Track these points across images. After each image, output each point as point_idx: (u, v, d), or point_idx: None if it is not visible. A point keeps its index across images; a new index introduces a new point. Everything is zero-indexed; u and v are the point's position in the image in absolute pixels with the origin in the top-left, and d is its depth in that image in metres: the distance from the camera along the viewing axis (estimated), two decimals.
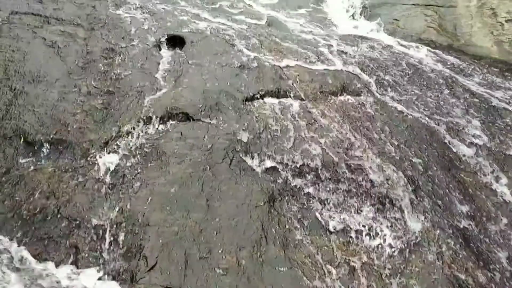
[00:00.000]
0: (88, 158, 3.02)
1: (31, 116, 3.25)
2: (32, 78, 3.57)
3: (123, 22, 4.40)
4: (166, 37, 4.25)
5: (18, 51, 3.83)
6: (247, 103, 3.53)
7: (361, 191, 3.01)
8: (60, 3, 4.51)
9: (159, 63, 3.90)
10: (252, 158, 3.10)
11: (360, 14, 6.11)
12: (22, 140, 3.11)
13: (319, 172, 3.05)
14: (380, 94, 3.98)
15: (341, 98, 3.81)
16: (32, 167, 2.94)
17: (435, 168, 3.28)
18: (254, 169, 3.03)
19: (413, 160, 3.36)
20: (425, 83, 4.24)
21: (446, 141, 3.52)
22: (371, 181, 3.07)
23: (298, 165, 3.08)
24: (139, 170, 2.95)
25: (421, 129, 3.60)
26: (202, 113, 3.37)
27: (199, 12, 4.91)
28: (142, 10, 4.73)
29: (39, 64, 3.71)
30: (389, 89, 4.05)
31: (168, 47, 4.16)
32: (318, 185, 2.99)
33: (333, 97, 3.80)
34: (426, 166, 3.28)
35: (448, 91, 4.13)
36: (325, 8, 6.14)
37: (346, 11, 6.22)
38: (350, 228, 2.82)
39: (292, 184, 2.98)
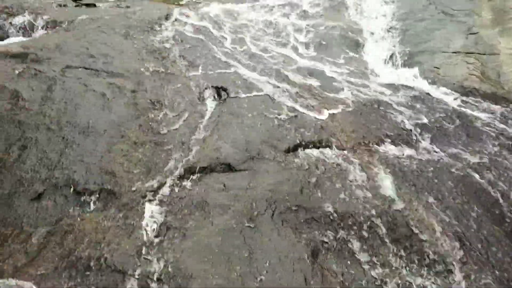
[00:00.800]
0: (134, 208, 3.09)
1: (80, 166, 3.39)
2: (82, 129, 3.75)
3: (168, 75, 4.58)
4: (210, 88, 4.38)
5: (71, 103, 4.04)
6: (288, 154, 3.56)
7: (407, 247, 2.92)
8: (110, 57, 4.76)
9: (202, 114, 4.01)
10: (294, 210, 3.08)
11: (400, 62, 6.14)
12: (72, 189, 3.23)
13: (363, 226, 3.00)
14: (423, 145, 3.93)
15: (384, 148, 3.79)
16: (80, 216, 3.03)
17: (485, 224, 3.16)
18: (296, 221, 3.01)
19: (461, 214, 3.26)
20: (470, 133, 4.16)
21: (495, 195, 3.40)
22: (418, 237, 2.98)
23: (341, 218, 3.04)
24: (183, 221, 2.99)
25: (468, 182, 3.51)
26: (244, 164, 3.41)
27: (239, 64, 5.05)
28: (186, 63, 4.91)
29: (89, 115, 3.90)
30: (432, 139, 3.99)
31: (211, 99, 4.28)
32: (362, 240, 2.93)
33: (375, 147, 3.78)
34: (475, 221, 3.17)
35: (495, 142, 4.03)
36: (364, 56, 6.20)
37: (385, 59, 6.26)
38: (396, 286, 2.73)
39: (335, 238, 2.93)
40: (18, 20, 5.93)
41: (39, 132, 3.70)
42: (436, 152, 3.91)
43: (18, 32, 5.78)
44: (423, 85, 5.47)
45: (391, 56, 6.32)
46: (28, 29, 5.86)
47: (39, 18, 6.02)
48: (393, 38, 6.53)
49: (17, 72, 4.43)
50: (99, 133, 3.71)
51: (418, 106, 4.69)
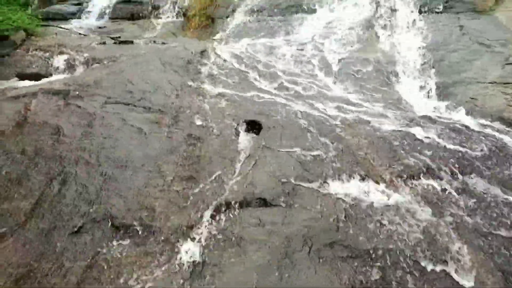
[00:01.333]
0: (171, 244, 3.10)
1: (118, 200, 3.45)
2: (120, 164, 3.83)
3: (203, 109, 4.67)
4: (244, 123, 4.42)
5: (110, 137, 4.15)
6: (324, 188, 3.51)
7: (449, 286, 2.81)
8: (148, 93, 4.90)
9: (237, 149, 4.04)
10: (332, 246, 3.02)
11: (435, 93, 6.05)
12: (110, 224, 3.28)
13: (404, 263, 2.90)
14: (464, 178, 3.81)
15: (423, 181, 3.69)
16: (118, 251, 3.06)
17: None
18: (334, 258, 2.94)
19: (505, 249, 3.12)
20: None
21: None
22: (460, 277, 2.86)
23: (380, 255, 2.96)
24: (219, 257, 2.97)
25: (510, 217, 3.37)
26: (280, 198, 3.39)
27: (274, 98, 5.10)
28: (220, 98, 4.99)
29: (127, 150, 3.99)
30: (474, 173, 3.87)
31: (246, 133, 4.31)
32: (404, 278, 2.83)
33: (413, 181, 3.69)
34: None
35: None
36: (399, 88, 6.14)
37: (419, 90, 6.19)
38: None
39: (375, 276, 2.84)
40: (61, 58, 6.21)
41: (78, 167, 3.80)
42: (476, 185, 3.79)
43: (61, 70, 6.04)
44: (460, 117, 5.35)
45: (425, 87, 6.25)
46: (69, 66, 6.12)
47: (80, 56, 6.29)
48: (427, 69, 6.47)
49: (59, 108, 4.61)
50: (136, 167, 3.78)
51: (455, 138, 4.57)
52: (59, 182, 3.66)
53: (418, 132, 4.61)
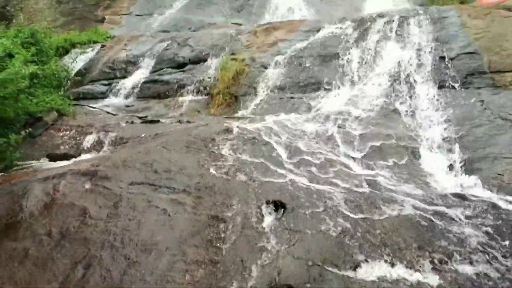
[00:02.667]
0: None
1: (142, 286, 3.40)
2: (144, 247, 3.82)
3: (227, 189, 4.69)
4: (267, 203, 4.41)
5: (134, 220, 4.18)
6: (352, 272, 3.41)
7: None
8: (173, 173, 4.98)
9: (261, 231, 4.00)
10: None
11: (459, 170, 5.98)
12: None
13: None
14: (495, 261, 3.65)
15: (455, 266, 3.55)
16: None
17: None
18: None
19: None
20: None
21: None
22: None
23: None
24: None
25: None
26: (307, 285, 3.29)
27: (297, 176, 5.12)
28: (245, 177, 5.03)
29: (151, 232, 4.00)
30: (505, 255, 3.71)
31: (269, 213, 4.29)
32: None
33: (445, 266, 3.56)
34: None
35: None
36: (421, 163, 6.10)
37: (443, 166, 6.13)
38: None
39: None
40: (89, 138, 6.44)
41: (103, 250, 3.81)
42: (510, 268, 3.62)
43: (89, 149, 6.24)
44: (487, 194, 5.24)
45: (449, 163, 6.19)
46: (97, 146, 6.33)
47: (108, 136, 6.52)
48: (450, 145, 6.44)
49: (86, 189, 4.70)
50: (160, 251, 3.77)
51: (484, 217, 4.45)
52: (83, 266, 3.66)
53: (446, 211, 4.52)
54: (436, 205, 4.65)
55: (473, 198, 4.99)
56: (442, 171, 6.04)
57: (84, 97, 10.64)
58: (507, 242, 3.97)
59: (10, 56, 7.27)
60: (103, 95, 10.85)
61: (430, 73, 8.19)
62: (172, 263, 3.63)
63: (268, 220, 4.19)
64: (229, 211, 4.31)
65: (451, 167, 6.06)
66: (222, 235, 3.96)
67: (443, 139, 6.62)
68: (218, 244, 3.82)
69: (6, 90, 5.72)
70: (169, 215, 4.23)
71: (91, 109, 9.21)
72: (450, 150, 6.36)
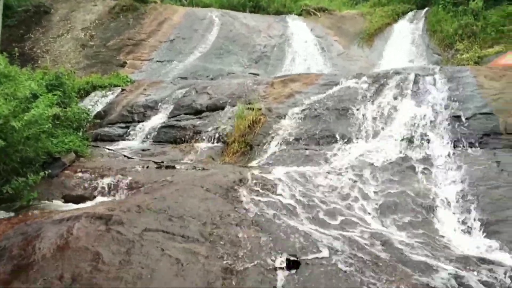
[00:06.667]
0: None
1: None
2: None
3: (240, 240, 4.66)
4: (282, 258, 4.36)
5: (147, 268, 4.14)
6: None
7: None
8: (187, 221, 4.97)
9: (274, 286, 3.92)
10: None
11: (476, 232, 5.87)
12: None
13: None
14: None
15: None
16: None
17: None
18: None
19: None
20: None
21: None
22: None
23: None
24: None
25: None
26: None
27: (312, 231, 5.07)
28: (258, 229, 5.00)
29: (164, 282, 3.95)
30: None
31: (282, 268, 4.22)
32: None
33: None
34: None
35: None
36: (438, 224, 6.01)
37: (460, 228, 6.03)
38: None
39: None
40: (105, 181, 6.50)
41: None
42: None
43: (105, 193, 6.29)
44: (507, 259, 5.11)
45: (466, 224, 6.09)
46: (113, 190, 6.37)
47: (123, 180, 6.57)
48: (468, 205, 6.36)
49: (100, 233, 4.70)
50: None
51: (506, 285, 4.33)
52: None
53: (461, 274, 4.40)
54: (453, 268, 4.54)
55: (491, 263, 4.87)
56: (459, 232, 5.95)
57: (102, 139, 10.83)
58: None
59: (35, 96, 7.49)
60: (120, 138, 11.04)
61: (445, 131, 8.22)
62: None
63: (281, 275, 4.12)
64: (243, 264, 4.26)
65: (468, 228, 5.96)
66: None
67: (459, 199, 6.55)
68: None
69: (30, 131, 5.87)
70: (181, 265, 4.19)
71: (108, 151, 9.33)
72: (467, 211, 6.27)
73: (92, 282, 3.97)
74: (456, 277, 4.31)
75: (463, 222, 6.07)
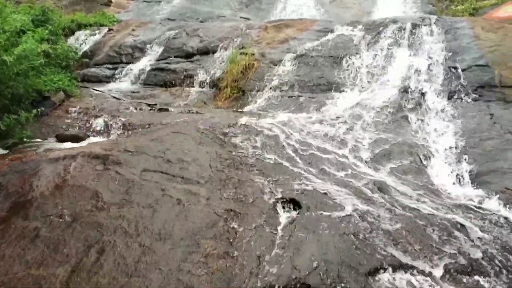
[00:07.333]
0: None
1: (157, 275, 3.36)
2: (159, 236, 3.78)
3: (240, 183, 4.67)
4: (282, 200, 4.39)
5: (148, 207, 4.13)
6: (369, 277, 3.39)
7: None
8: (186, 163, 4.94)
9: (276, 227, 3.97)
10: None
11: (467, 181, 5.99)
12: None
13: None
14: (507, 277, 3.66)
15: (469, 277, 3.55)
16: None
17: None
18: None
19: None
20: None
21: None
22: None
23: None
24: None
25: None
26: (323, 286, 3.27)
27: (308, 175, 5.09)
28: (256, 172, 5.01)
29: (165, 221, 3.95)
30: None
31: (284, 210, 4.26)
32: None
33: (459, 276, 3.56)
34: None
35: None
36: (431, 173, 6.10)
37: (452, 177, 6.14)
38: None
39: None
40: (99, 122, 6.36)
41: (117, 236, 3.75)
42: None
43: (98, 133, 6.17)
44: (496, 207, 5.24)
45: (458, 174, 6.20)
46: (107, 130, 6.25)
47: (117, 121, 6.43)
48: (460, 156, 6.45)
49: (98, 173, 4.64)
50: (175, 241, 3.72)
51: (496, 231, 4.46)
52: (97, 250, 3.60)
53: (457, 221, 4.51)
54: (447, 214, 4.64)
55: (482, 210, 5.00)
56: (450, 181, 6.06)
57: (89, 80, 10.52)
58: None
59: (22, 31, 7.15)
60: (108, 79, 10.74)
61: (440, 83, 8.21)
62: (188, 254, 3.59)
63: (283, 216, 4.17)
64: (244, 206, 4.28)
65: (459, 178, 6.07)
66: (237, 229, 3.93)
67: (452, 150, 6.63)
68: (234, 239, 3.79)
69: (21, 66, 5.62)
70: (183, 206, 4.19)
71: (97, 92, 9.10)
72: (458, 161, 6.36)
73: (93, 220, 3.95)
74: (451, 221, 4.42)
75: (455, 172, 6.17)
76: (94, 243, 3.68)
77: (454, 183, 6.05)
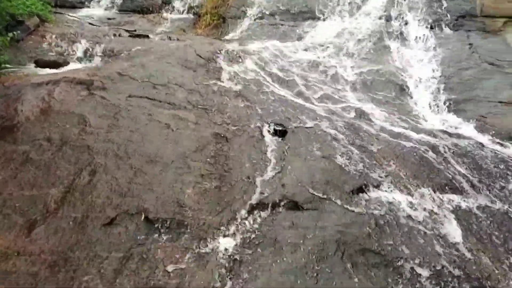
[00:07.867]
0: (205, 240, 3.14)
1: (150, 195, 3.48)
2: (149, 158, 3.86)
3: (228, 110, 4.72)
4: (269, 123, 4.49)
5: (137, 132, 4.17)
6: (353, 195, 3.60)
7: None
8: (172, 89, 4.93)
9: (264, 151, 4.10)
10: (363, 253, 3.10)
11: (445, 109, 6.19)
12: (143, 217, 3.31)
13: (433, 274, 3.00)
14: (482, 193, 3.93)
15: (446, 196, 3.80)
16: (153, 245, 3.09)
17: None
18: (367, 265, 3.02)
19: None
20: None
21: None
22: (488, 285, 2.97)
23: (411, 264, 3.05)
24: (255, 257, 3.02)
25: None
26: (311, 203, 3.46)
27: (293, 99, 5.18)
28: (241, 98, 5.05)
29: (155, 145, 4.02)
30: (489, 188, 3.99)
31: (271, 135, 4.37)
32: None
33: (437, 194, 3.80)
34: None
35: None
36: (410, 101, 6.26)
37: (430, 104, 6.33)
38: None
39: (405, 284, 2.93)
40: (79, 47, 6.18)
41: (108, 159, 3.82)
42: (495, 200, 3.91)
43: (79, 59, 6.02)
44: (471, 133, 5.48)
45: (435, 102, 6.38)
46: (87, 56, 6.10)
47: (97, 47, 6.27)
48: (437, 84, 6.60)
49: (83, 98, 4.60)
50: (166, 163, 3.82)
51: (471, 154, 4.70)
52: (88, 172, 3.67)
53: (433, 144, 4.73)
54: (426, 139, 4.85)
55: (458, 136, 5.23)
56: (428, 109, 6.25)
57: (62, 5, 9.99)
58: (489, 178, 4.25)
59: None
60: (82, 5, 10.24)
61: (423, 12, 8.19)
62: (179, 175, 3.70)
63: (270, 141, 4.28)
64: (231, 130, 4.37)
65: (438, 106, 6.26)
66: (227, 152, 4.04)
67: (431, 78, 6.77)
68: (224, 160, 3.91)
69: None
70: (172, 130, 4.24)
71: (72, 18, 8.73)
72: (436, 90, 6.53)
73: (82, 144, 3.98)
74: (429, 145, 4.63)
75: (434, 100, 6.35)
76: (86, 165, 3.74)
77: (432, 111, 6.24)
